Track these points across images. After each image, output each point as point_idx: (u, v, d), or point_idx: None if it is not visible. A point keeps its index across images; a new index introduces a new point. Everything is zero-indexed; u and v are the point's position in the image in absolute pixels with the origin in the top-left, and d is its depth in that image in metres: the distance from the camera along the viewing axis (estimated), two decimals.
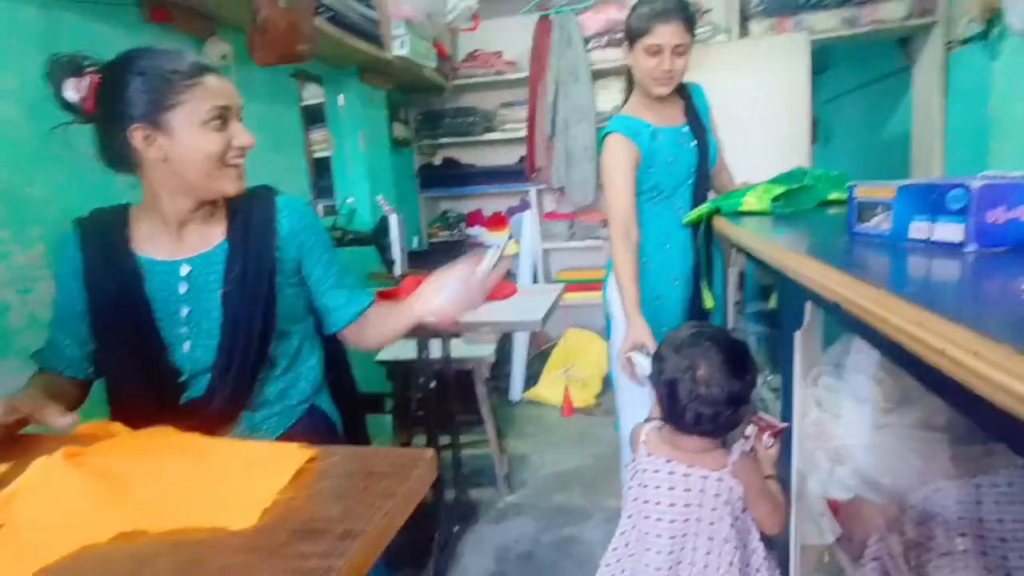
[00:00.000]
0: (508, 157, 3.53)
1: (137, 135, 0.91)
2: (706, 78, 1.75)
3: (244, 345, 1.00)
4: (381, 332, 1.14)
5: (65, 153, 1.26)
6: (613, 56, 3.03)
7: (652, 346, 1.42)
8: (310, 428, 1.13)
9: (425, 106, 3.58)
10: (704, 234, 1.60)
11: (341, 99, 2.70)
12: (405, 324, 1.10)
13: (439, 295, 1.05)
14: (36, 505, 0.63)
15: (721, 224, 1.41)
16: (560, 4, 3.03)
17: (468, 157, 3.68)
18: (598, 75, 3.14)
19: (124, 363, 1.00)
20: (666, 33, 1.47)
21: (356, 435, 1.30)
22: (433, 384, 1.95)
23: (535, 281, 3.38)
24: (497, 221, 3.57)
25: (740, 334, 2.02)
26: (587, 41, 3.07)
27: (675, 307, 1.66)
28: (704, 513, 1.06)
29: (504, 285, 1.89)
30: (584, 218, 3.35)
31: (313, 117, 2.78)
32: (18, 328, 1.16)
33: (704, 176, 1.65)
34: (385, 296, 1.74)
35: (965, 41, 2.41)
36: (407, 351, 2.32)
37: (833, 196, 1.38)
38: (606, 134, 1.62)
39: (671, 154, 1.60)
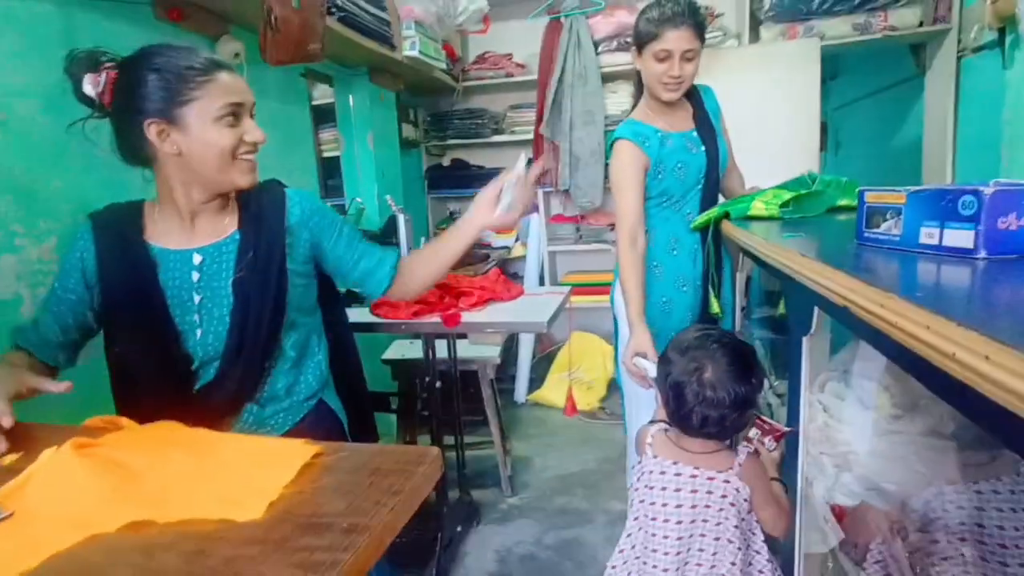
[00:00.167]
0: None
1: (152, 129, 0.94)
2: (716, 83, 1.75)
3: (254, 330, 1.03)
4: (426, 270, 1.20)
5: (79, 149, 1.27)
6: (623, 60, 3.03)
7: (653, 356, 1.42)
8: (317, 424, 1.14)
9: (434, 107, 3.59)
10: (712, 239, 1.59)
11: (351, 99, 2.72)
12: (465, 243, 1.17)
13: (496, 205, 1.15)
14: (46, 495, 0.63)
15: (729, 228, 1.40)
16: (571, 7, 3.03)
17: (476, 158, 3.68)
18: (607, 78, 3.14)
19: (138, 352, 1.02)
20: (676, 39, 1.46)
21: (366, 433, 1.31)
22: (438, 384, 1.95)
23: (541, 283, 3.38)
24: None
25: (746, 339, 2.01)
26: (597, 44, 3.07)
27: (683, 312, 1.66)
28: (711, 514, 1.06)
29: (511, 286, 1.90)
30: (591, 221, 3.34)
31: (323, 117, 2.80)
32: (29, 321, 1.17)
33: (714, 181, 1.65)
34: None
35: (978, 49, 2.39)
36: (413, 351, 2.32)
37: (843, 202, 1.38)
38: (615, 139, 1.61)
39: (680, 160, 1.60)
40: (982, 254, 0.67)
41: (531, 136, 3.30)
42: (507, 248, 3.46)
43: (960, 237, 0.69)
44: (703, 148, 1.62)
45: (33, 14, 1.21)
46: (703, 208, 1.63)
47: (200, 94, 0.94)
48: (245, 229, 1.05)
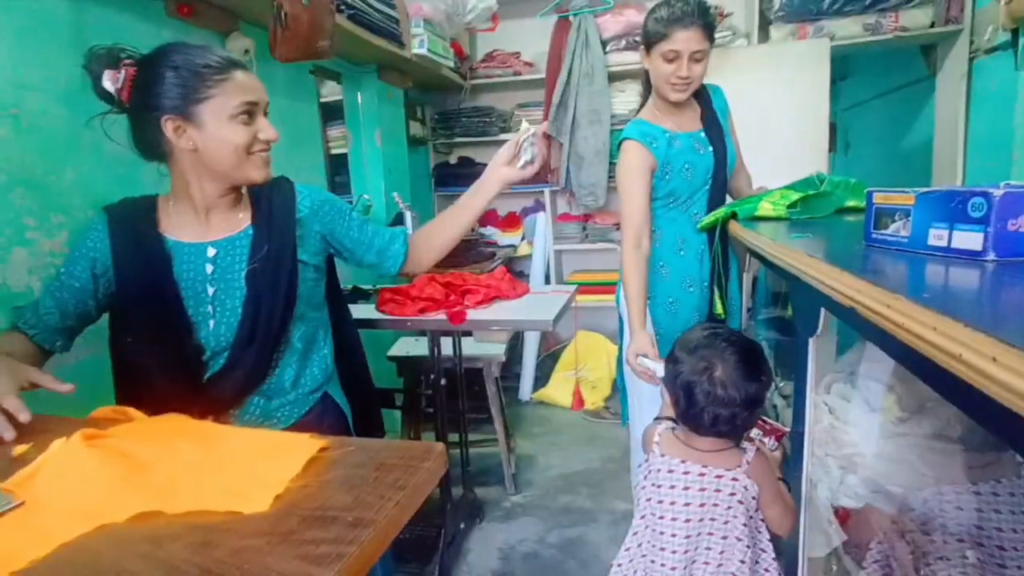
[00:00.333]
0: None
1: (169, 126, 0.96)
2: (725, 83, 1.74)
3: (266, 320, 1.05)
4: (445, 234, 1.27)
5: (91, 143, 1.29)
6: (631, 59, 3.02)
7: (654, 356, 1.42)
8: (322, 417, 1.16)
9: (442, 105, 3.59)
10: (719, 239, 1.59)
11: (359, 96, 2.72)
12: (486, 198, 1.25)
13: (515, 162, 1.23)
14: (56, 485, 0.64)
15: (736, 229, 1.40)
16: (579, 6, 3.03)
17: (484, 156, 3.68)
18: (616, 77, 3.13)
19: (150, 342, 1.03)
20: (685, 39, 1.45)
21: (372, 428, 1.32)
22: (443, 381, 1.96)
23: (547, 282, 3.38)
24: (511, 221, 3.58)
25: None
26: (605, 44, 3.06)
27: (690, 313, 1.66)
28: (719, 512, 1.06)
29: (516, 284, 1.90)
30: (598, 220, 3.34)
31: (331, 114, 2.80)
32: (29, 303, 1.18)
33: (721, 182, 1.64)
34: (397, 293, 1.76)
35: (991, 50, 2.38)
36: (418, 348, 2.33)
37: (851, 203, 1.37)
38: (622, 139, 1.61)
39: (687, 160, 1.60)
40: (991, 256, 0.66)
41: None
42: (513, 246, 3.47)
43: (969, 239, 0.69)
44: (711, 149, 1.61)
45: (45, 9, 1.22)
46: (710, 209, 1.62)
47: (216, 92, 0.96)
48: (258, 223, 1.08)
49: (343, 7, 1.97)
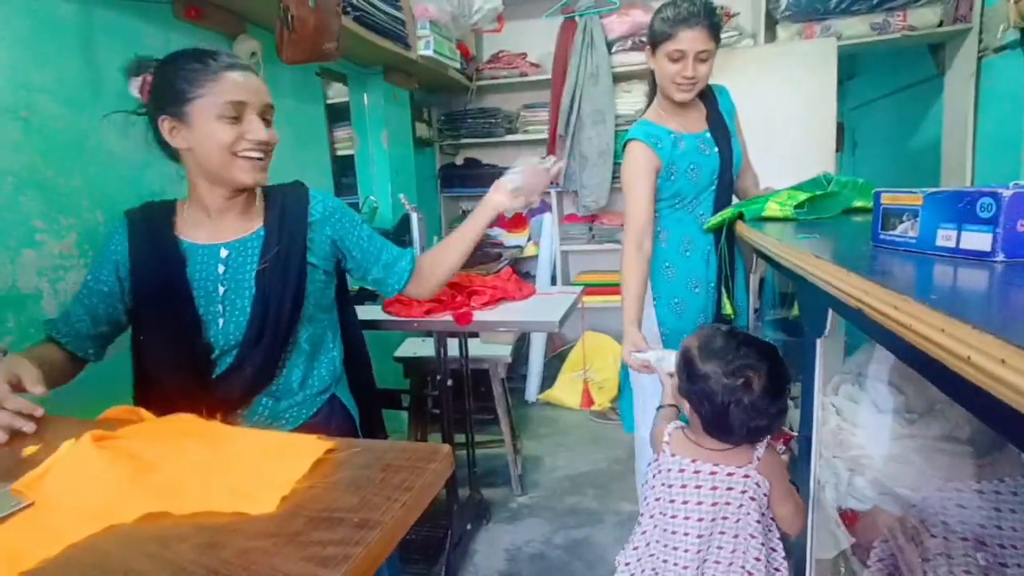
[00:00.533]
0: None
1: (165, 126, 1.01)
2: (731, 83, 1.73)
3: (274, 320, 1.07)
4: (446, 259, 1.27)
5: (99, 146, 1.30)
6: (637, 59, 3.02)
7: (646, 347, 1.43)
8: (330, 419, 1.16)
9: (448, 106, 3.60)
10: (726, 240, 1.58)
11: (365, 98, 2.73)
12: (481, 224, 1.25)
13: (512, 188, 1.25)
14: (65, 485, 0.65)
15: (743, 229, 1.40)
16: (585, 6, 3.03)
17: (490, 158, 3.69)
18: (622, 78, 3.13)
19: (162, 340, 1.07)
20: (690, 39, 1.45)
21: (373, 430, 1.33)
22: (450, 382, 1.96)
23: (553, 283, 3.38)
24: (517, 222, 3.58)
25: None
26: (611, 44, 3.06)
27: (695, 314, 1.65)
28: (731, 511, 1.06)
29: (523, 285, 1.90)
30: (604, 221, 3.34)
31: (337, 115, 2.82)
32: (49, 316, 1.20)
33: (727, 183, 1.63)
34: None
35: (1000, 49, 2.36)
36: (425, 349, 2.34)
37: (858, 204, 1.36)
38: (627, 140, 1.61)
39: (693, 161, 1.59)
40: (1000, 257, 0.66)
41: (545, 136, 3.30)
42: (519, 247, 3.47)
43: (978, 240, 0.69)
44: (716, 149, 1.61)
45: (54, 13, 1.23)
46: (716, 209, 1.62)
47: (204, 92, 0.99)
48: (270, 225, 1.11)
49: (349, 9, 1.98)
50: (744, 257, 1.72)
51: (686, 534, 1.06)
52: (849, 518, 1.01)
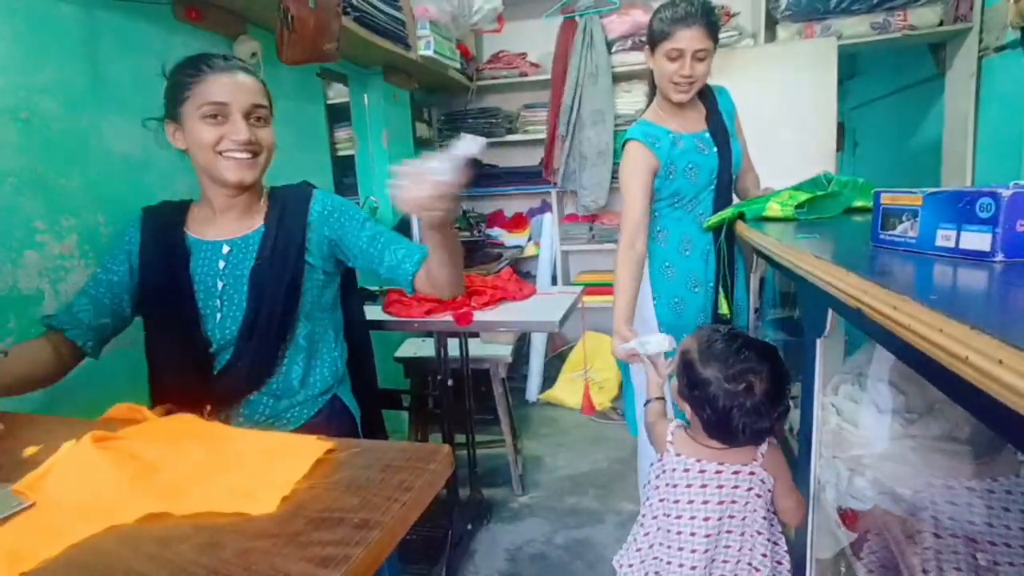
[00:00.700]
0: (530, 159, 3.54)
1: (169, 129, 1.06)
2: (731, 83, 1.74)
3: (267, 315, 1.08)
4: (447, 263, 1.09)
5: (100, 147, 1.30)
6: (637, 59, 3.02)
7: (632, 337, 1.42)
8: (331, 419, 1.17)
9: (448, 106, 3.60)
10: (725, 239, 1.58)
11: (366, 98, 2.73)
12: (437, 231, 1.04)
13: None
14: (66, 486, 0.65)
15: (743, 229, 1.40)
16: (585, 6, 3.03)
17: (490, 158, 3.68)
18: (622, 77, 3.13)
19: (165, 334, 1.10)
20: (688, 38, 1.46)
21: (374, 430, 1.33)
22: (450, 382, 1.96)
23: (554, 283, 3.38)
24: (518, 222, 3.58)
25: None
26: (611, 44, 3.06)
27: (695, 313, 1.65)
28: (737, 509, 1.06)
29: (523, 285, 1.90)
30: (605, 220, 3.33)
31: (337, 116, 2.82)
32: (63, 306, 1.20)
33: (726, 182, 1.63)
34: (404, 294, 1.76)
35: (1000, 48, 2.36)
36: (425, 349, 2.34)
37: (858, 204, 1.37)
38: (625, 140, 1.61)
39: (691, 161, 1.59)
40: (999, 257, 0.66)
41: (544, 136, 3.30)
42: (520, 247, 3.47)
43: (977, 240, 0.69)
44: (715, 149, 1.61)
45: (55, 14, 1.23)
46: (715, 209, 1.62)
47: (190, 94, 1.03)
48: (269, 223, 1.13)
49: (349, 9, 1.98)
50: (744, 257, 1.72)
51: (692, 534, 1.06)
52: (849, 518, 1.01)
